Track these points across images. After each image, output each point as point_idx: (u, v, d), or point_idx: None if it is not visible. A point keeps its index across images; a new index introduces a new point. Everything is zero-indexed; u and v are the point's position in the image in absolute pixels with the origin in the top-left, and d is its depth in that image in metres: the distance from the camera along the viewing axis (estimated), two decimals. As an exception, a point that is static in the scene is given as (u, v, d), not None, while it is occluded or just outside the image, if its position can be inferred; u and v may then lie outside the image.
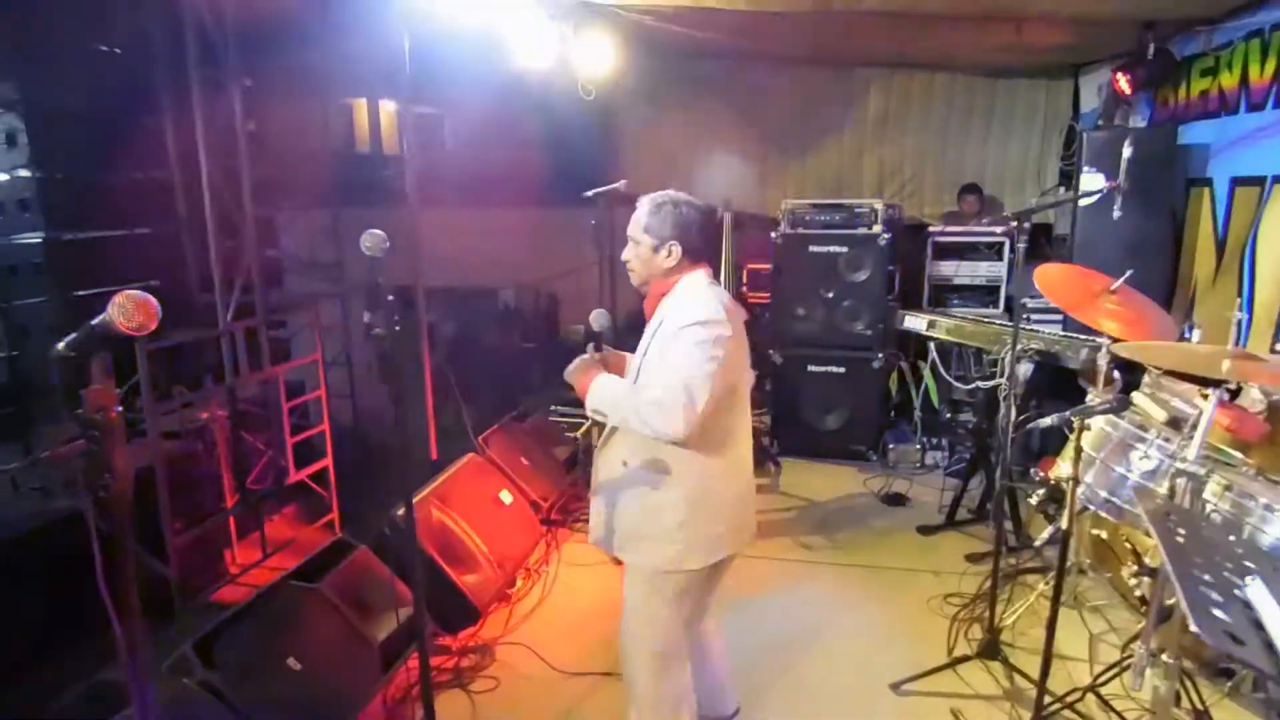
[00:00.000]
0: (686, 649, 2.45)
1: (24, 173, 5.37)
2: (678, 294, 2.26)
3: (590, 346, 2.41)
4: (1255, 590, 1.20)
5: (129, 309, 1.14)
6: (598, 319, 2.43)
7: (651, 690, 2.41)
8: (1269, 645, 1.09)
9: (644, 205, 2.30)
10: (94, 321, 1.15)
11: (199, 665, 2.42)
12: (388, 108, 9.64)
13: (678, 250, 2.24)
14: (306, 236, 7.85)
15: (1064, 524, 2.33)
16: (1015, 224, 2.95)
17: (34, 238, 5.48)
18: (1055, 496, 2.91)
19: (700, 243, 2.28)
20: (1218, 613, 1.12)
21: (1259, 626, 1.12)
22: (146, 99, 6.00)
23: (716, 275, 2.42)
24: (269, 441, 6.38)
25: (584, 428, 5.37)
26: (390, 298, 1.95)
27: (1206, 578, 1.19)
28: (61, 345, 1.17)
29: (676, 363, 2.10)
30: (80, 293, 5.53)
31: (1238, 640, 1.07)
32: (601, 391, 2.23)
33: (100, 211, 5.82)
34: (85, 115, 5.74)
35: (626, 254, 2.34)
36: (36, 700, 3.63)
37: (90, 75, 5.74)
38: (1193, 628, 1.08)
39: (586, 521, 4.39)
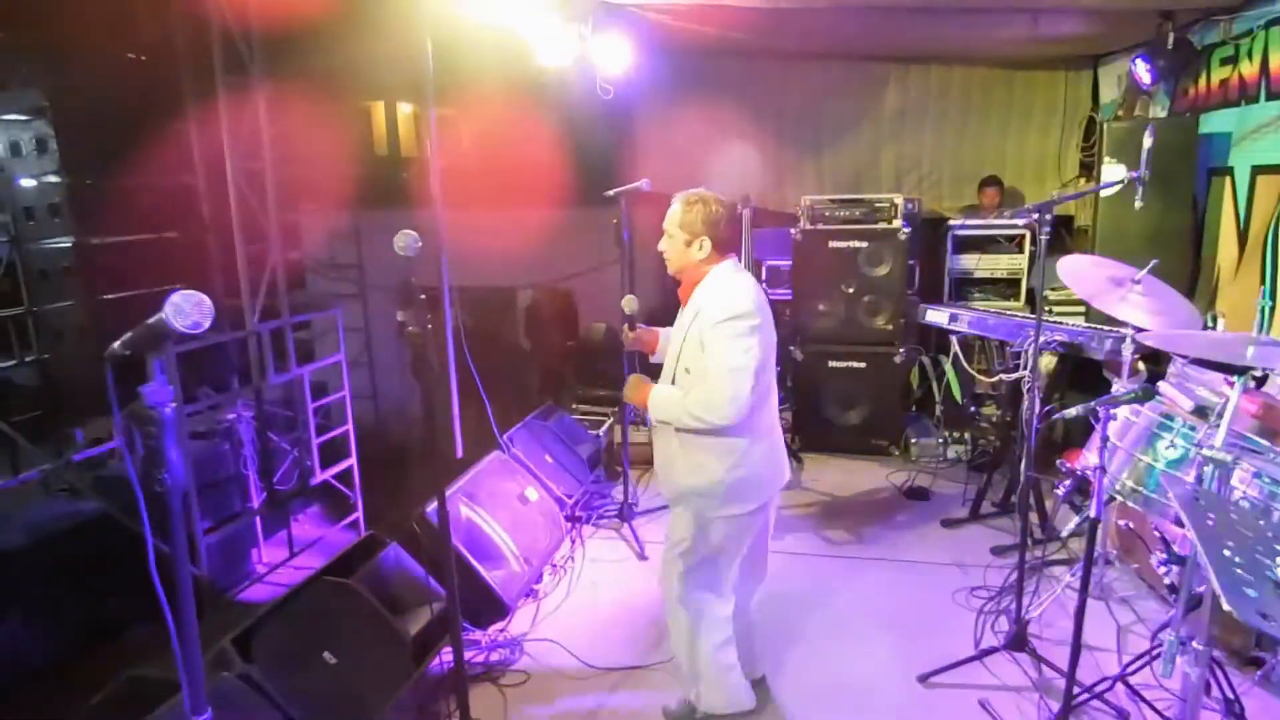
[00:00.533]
0: (729, 600, 2.73)
1: (54, 179, 5.46)
2: (711, 282, 2.51)
3: (625, 326, 2.85)
4: (1287, 570, 1.21)
5: (185, 308, 1.19)
6: (629, 303, 2.87)
7: (694, 627, 2.70)
8: (1301, 623, 1.11)
9: (677, 202, 2.56)
10: (150, 320, 1.20)
11: (238, 659, 2.48)
12: (404, 110, 9.74)
13: (708, 244, 2.50)
14: (327, 238, 7.96)
15: (1092, 513, 2.33)
16: (1036, 216, 2.96)
17: (64, 242, 5.57)
18: (1081, 488, 2.91)
19: (728, 235, 2.53)
20: (1249, 591, 1.14)
21: (1291, 605, 1.14)
22: (172, 105, 6.11)
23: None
24: (294, 442, 6.48)
25: (608, 424, 5.43)
26: (423, 296, 2.00)
27: (1237, 559, 1.21)
28: (117, 344, 1.21)
29: (720, 359, 2.38)
30: (108, 296, 5.63)
31: (1269, 617, 1.09)
32: (659, 402, 2.55)
33: (127, 216, 5.92)
34: (113, 121, 5.84)
35: (662, 245, 2.60)
36: (71, 697, 3.71)
37: (117, 82, 5.85)
38: (1225, 606, 1.10)
39: (610, 518, 4.48)
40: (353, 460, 6.71)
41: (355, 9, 5.48)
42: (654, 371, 2.76)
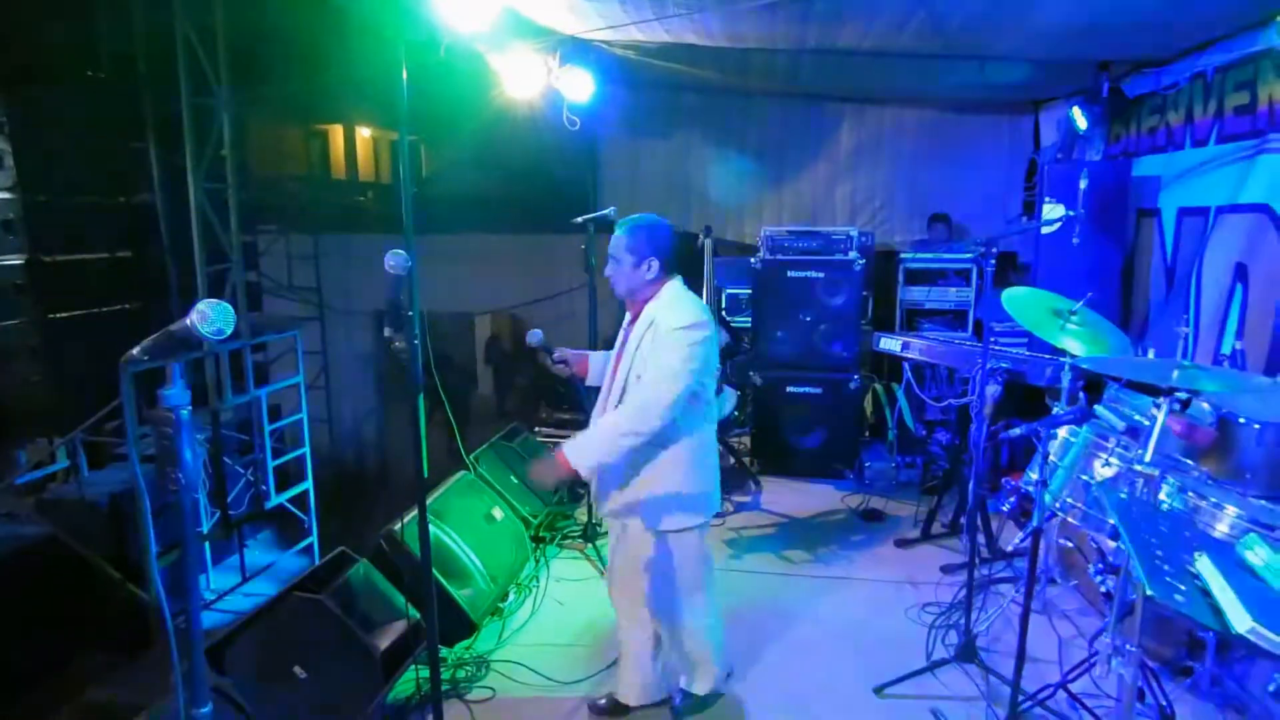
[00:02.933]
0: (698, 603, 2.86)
1: (8, 195, 5.37)
2: (663, 299, 2.65)
3: (545, 356, 2.91)
4: (1203, 564, 1.36)
5: (209, 316, 1.26)
6: (532, 337, 2.93)
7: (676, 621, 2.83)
8: (1215, 609, 1.25)
9: (622, 228, 2.68)
10: (173, 327, 1.26)
11: (211, 671, 2.49)
12: (363, 134, 9.77)
13: (656, 265, 2.63)
14: (284, 260, 7.92)
15: (1034, 523, 2.49)
16: (982, 250, 3.15)
17: (15, 259, 5.47)
18: (1025, 505, 3.08)
19: (675, 255, 2.68)
20: (1171, 581, 1.28)
21: (1206, 594, 1.28)
22: (133, 124, 6.07)
23: (695, 293, 2.79)
24: (247, 465, 6.39)
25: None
26: (409, 313, 2.08)
27: (1160, 553, 1.36)
28: (136, 350, 1.27)
29: (662, 364, 2.51)
30: (59, 315, 5.53)
31: (1186, 602, 1.23)
32: (582, 448, 2.55)
33: (83, 234, 5.84)
34: (72, 139, 5.78)
35: (609, 271, 2.70)
36: (27, 720, 3.63)
37: (78, 99, 5.80)
38: (1148, 590, 1.24)
39: (575, 538, 4.53)
40: (308, 483, 6.65)
41: (324, 35, 5.55)
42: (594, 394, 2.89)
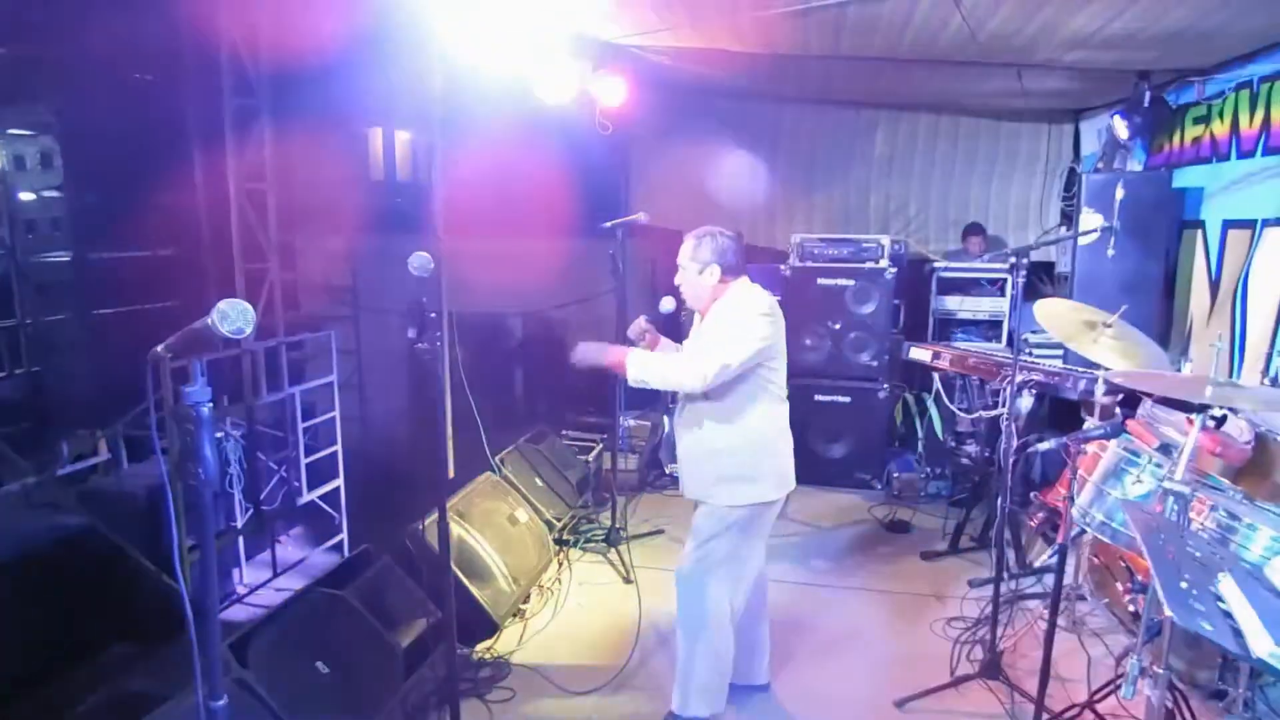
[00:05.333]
0: (738, 602, 2.92)
1: (56, 193, 5.51)
2: (731, 294, 2.83)
3: (643, 319, 3.10)
4: (1226, 585, 1.32)
5: (230, 315, 1.29)
6: (666, 303, 3.34)
7: (701, 628, 2.87)
8: (1236, 631, 1.22)
9: (688, 239, 2.88)
10: (194, 325, 1.30)
11: (235, 664, 2.54)
12: (402, 137, 9.90)
13: (716, 270, 2.81)
14: (322, 261, 8.04)
15: (1061, 539, 2.44)
16: (1015, 260, 3.11)
17: (63, 257, 5.61)
18: (1054, 522, 3.03)
19: (734, 261, 2.83)
20: (1196, 606, 1.25)
21: (1228, 616, 1.25)
22: (176, 125, 6.21)
23: None
24: (280, 461, 6.50)
25: (597, 450, 5.51)
26: (433, 315, 2.10)
27: (1186, 576, 1.32)
28: (160, 347, 1.31)
29: (718, 333, 2.73)
30: (101, 311, 5.67)
31: (1209, 625, 1.20)
32: (639, 360, 2.79)
33: (126, 233, 5.98)
34: (117, 139, 5.92)
35: (678, 279, 2.90)
36: (55, 711, 3.71)
37: (124, 101, 5.94)
38: (1168, 612, 1.21)
39: (597, 541, 4.55)
40: (340, 481, 6.74)
41: (364, 39, 5.64)
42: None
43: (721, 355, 2.66)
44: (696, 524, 2.92)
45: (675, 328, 3.42)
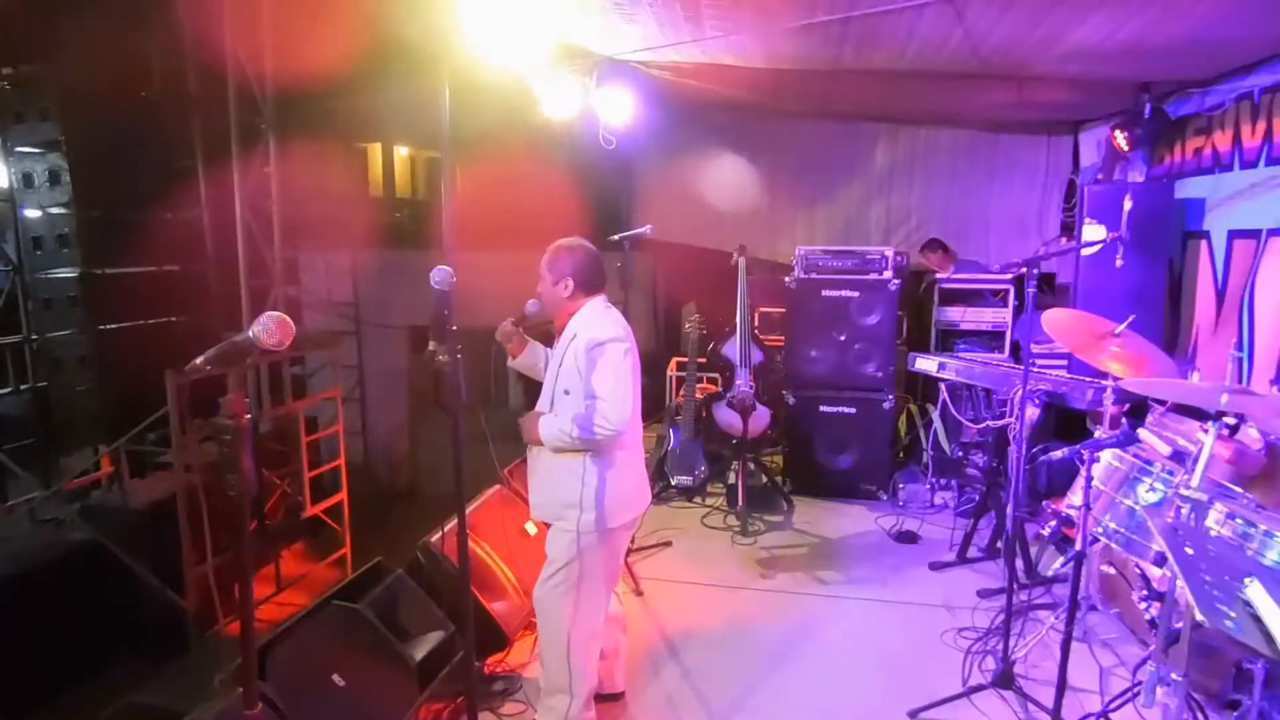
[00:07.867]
0: (598, 619, 2.90)
1: (64, 210, 5.52)
2: (583, 314, 2.84)
3: (511, 321, 3.03)
4: (1254, 590, 1.34)
5: (271, 328, 1.31)
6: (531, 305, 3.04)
7: (565, 644, 2.84)
8: (1267, 636, 1.23)
9: (549, 250, 2.91)
10: (235, 338, 1.31)
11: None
12: (401, 153, 9.95)
13: (571, 284, 2.83)
14: (324, 276, 8.07)
15: (1077, 546, 2.45)
16: (1024, 270, 3.13)
17: (70, 272, 5.62)
18: (1065, 530, 3.04)
19: (590, 276, 2.87)
20: (1221, 607, 1.26)
21: (1258, 620, 1.26)
22: (181, 143, 6.25)
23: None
24: (284, 476, 6.50)
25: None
26: (454, 328, 2.12)
27: (1209, 579, 1.34)
28: (200, 359, 1.32)
29: (596, 383, 2.66)
30: (109, 325, 5.67)
31: (1237, 627, 1.21)
32: (545, 430, 2.77)
33: (132, 249, 5.99)
34: (123, 157, 5.95)
35: (538, 289, 2.92)
36: (66, 723, 3.69)
37: (130, 119, 5.98)
38: (1198, 615, 1.22)
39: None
40: (343, 495, 6.73)
41: (368, 57, 5.68)
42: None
43: (618, 406, 2.66)
44: (549, 547, 2.93)
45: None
